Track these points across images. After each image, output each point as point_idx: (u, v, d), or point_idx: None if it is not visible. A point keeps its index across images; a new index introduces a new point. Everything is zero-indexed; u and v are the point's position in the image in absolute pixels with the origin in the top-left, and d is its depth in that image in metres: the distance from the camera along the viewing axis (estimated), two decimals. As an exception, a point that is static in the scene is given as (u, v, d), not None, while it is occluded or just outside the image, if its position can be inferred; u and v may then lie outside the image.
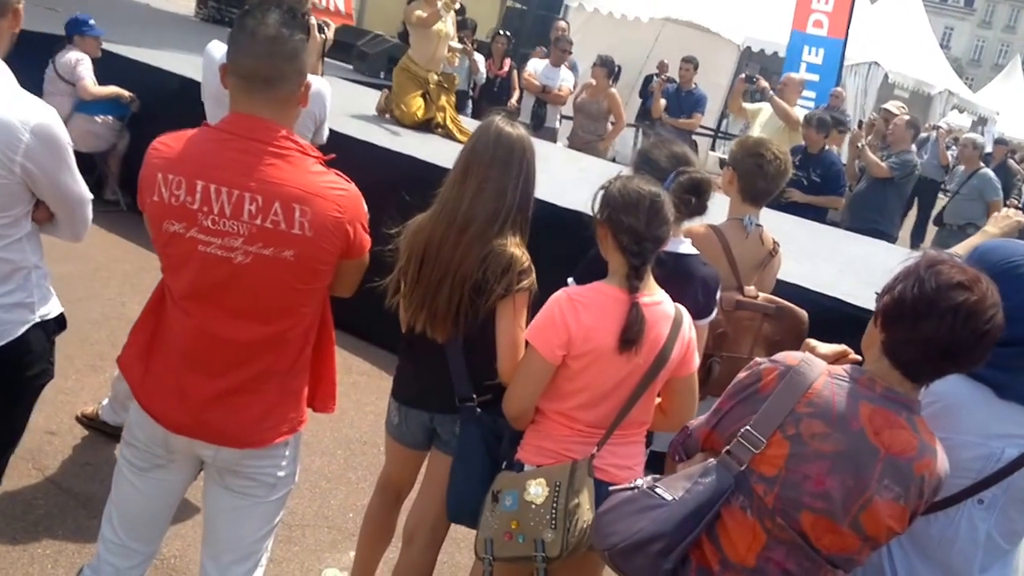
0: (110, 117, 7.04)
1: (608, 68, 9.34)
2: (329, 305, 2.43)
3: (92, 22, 6.90)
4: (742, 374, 2.10)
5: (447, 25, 7.08)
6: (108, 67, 7.03)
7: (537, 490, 2.49)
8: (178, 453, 2.38)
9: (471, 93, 10.62)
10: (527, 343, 2.54)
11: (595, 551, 2.34)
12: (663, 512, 2.02)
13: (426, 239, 2.76)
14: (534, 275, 2.73)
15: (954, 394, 2.09)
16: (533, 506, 2.47)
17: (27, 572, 2.98)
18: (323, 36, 4.17)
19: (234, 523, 2.45)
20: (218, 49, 3.62)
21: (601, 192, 2.57)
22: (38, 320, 2.60)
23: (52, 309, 2.66)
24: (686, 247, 2.99)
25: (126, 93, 7.02)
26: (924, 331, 1.85)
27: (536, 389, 2.55)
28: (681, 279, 2.85)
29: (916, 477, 1.90)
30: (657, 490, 2.08)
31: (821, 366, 2.01)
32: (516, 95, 10.41)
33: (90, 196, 2.65)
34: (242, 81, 2.18)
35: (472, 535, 2.58)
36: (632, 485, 2.17)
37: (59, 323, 2.71)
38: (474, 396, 2.80)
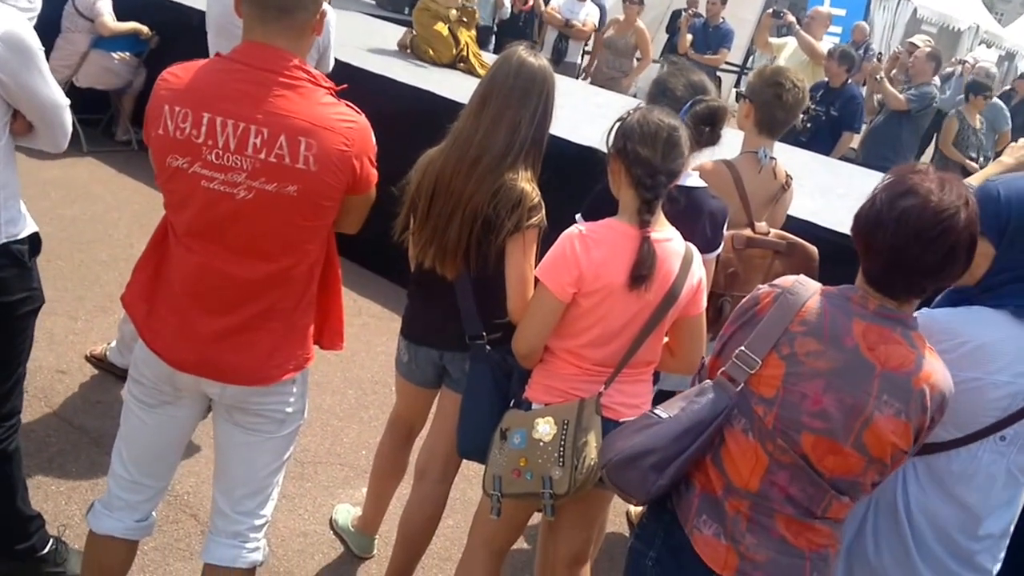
0: (127, 54, 6.92)
1: (636, 2, 9.14)
2: (335, 242, 2.41)
3: None
4: (744, 300, 2.12)
5: None
6: (127, 2, 6.95)
7: (545, 428, 2.48)
8: (185, 390, 2.39)
9: (494, 28, 10.43)
10: (537, 280, 2.52)
11: (602, 488, 2.35)
12: (658, 428, 2.06)
13: (437, 172, 2.72)
14: (544, 211, 2.69)
15: (985, 334, 2.07)
16: (541, 444, 2.47)
17: (42, 508, 3.02)
18: None
19: (244, 458, 2.46)
20: None
21: (617, 124, 2.52)
22: (5, 240, 2.55)
23: (21, 229, 2.61)
24: (694, 180, 2.93)
25: (145, 29, 6.94)
26: (877, 242, 1.88)
27: (546, 327, 2.53)
28: (691, 214, 2.80)
29: (916, 391, 1.89)
30: (655, 410, 2.12)
31: (815, 286, 2.02)
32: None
33: (66, 101, 2.61)
34: (256, 9, 2.13)
35: (482, 471, 2.59)
36: None
37: (33, 244, 2.66)
38: (483, 334, 2.78)
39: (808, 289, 2.00)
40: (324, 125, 2.13)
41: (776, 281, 2.08)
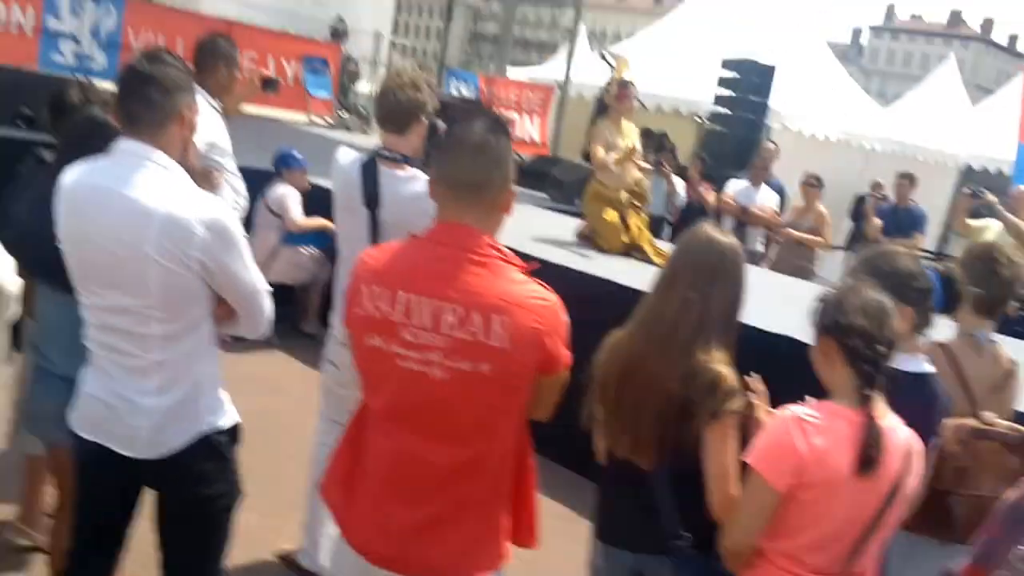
0: (314, 248, 7.21)
1: (818, 187, 8.89)
2: (528, 432, 2.32)
3: (297, 155, 7.19)
4: (1011, 494, 1.98)
5: (632, 138, 6.84)
6: (315, 199, 7.27)
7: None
8: None
9: (669, 218, 10.38)
10: (750, 468, 2.33)
11: None
12: None
13: (625, 356, 2.62)
14: (744, 397, 2.52)
15: None
16: None
17: None
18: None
19: None
20: (344, 155, 3.64)
21: (821, 302, 2.42)
22: (206, 430, 2.56)
23: (223, 419, 2.61)
24: (915, 363, 2.74)
25: (331, 225, 7.21)
26: None
27: (758, 521, 2.34)
28: (912, 401, 2.56)
29: None
30: None
31: None
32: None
33: (266, 287, 2.64)
34: (450, 189, 2.20)
35: None
36: None
37: (233, 435, 2.65)
38: (685, 534, 2.53)
39: None
40: (516, 302, 2.11)
41: None
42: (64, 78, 4.06)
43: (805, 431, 2.26)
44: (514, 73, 18.32)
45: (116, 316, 2.46)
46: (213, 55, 4.55)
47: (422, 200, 3.37)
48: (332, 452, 2.38)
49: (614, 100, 6.80)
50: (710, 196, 10.00)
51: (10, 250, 3.09)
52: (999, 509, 1.98)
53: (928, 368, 2.77)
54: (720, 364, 2.49)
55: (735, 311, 2.60)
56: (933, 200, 12.59)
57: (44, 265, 2.84)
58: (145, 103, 2.45)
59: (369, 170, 3.48)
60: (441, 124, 4.05)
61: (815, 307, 2.44)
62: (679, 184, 10.34)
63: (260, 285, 2.61)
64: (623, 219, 6.93)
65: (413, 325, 2.12)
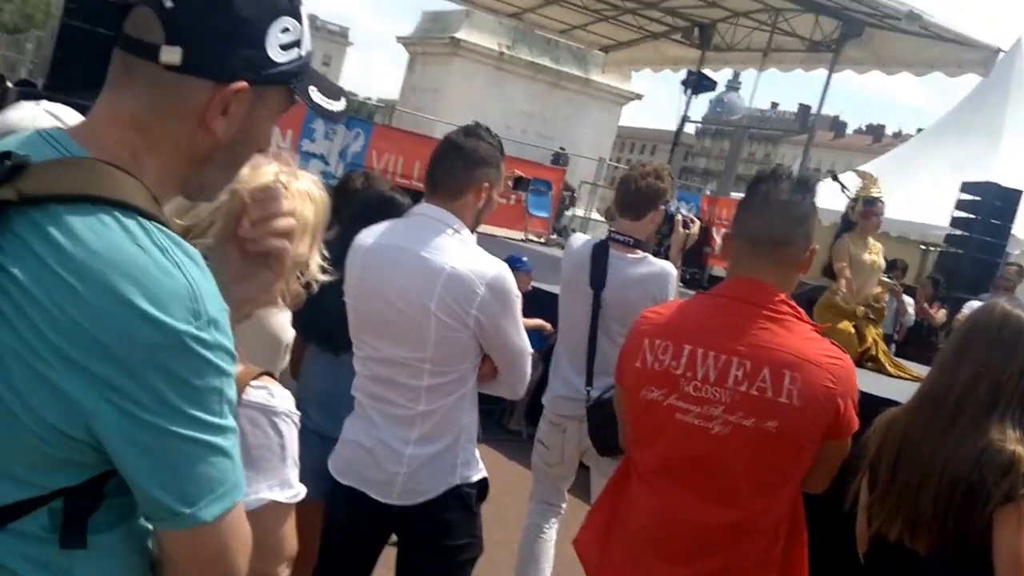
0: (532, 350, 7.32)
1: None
2: (803, 503, 2.22)
3: (524, 259, 7.47)
4: None
5: (879, 256, 6.75)
6: (533, 299, 7.50)
7: None
8: None
9: (895, 336, 9.96)
10: None
11: None
12: None
13: (903, 432, 2.47)
14: None
15: None
16: None
17: None
18: (687, 231, 4.10)
19: None
20: (577, 239, 3.85)
21: None
22: (459, 483, 2.58)
23: (474, 473, 2.63)
24: None
25: (548, 326, 7.39)
26: None
27: None
28: None
29: None
30: None
31: None
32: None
33: (531, 349, 2.70)
34: (748, 244, 2.18)
35: None
36: None
37: (481, 490, 2.67)
38: None
39: None
40: (810, 359, 2.05)
41: None
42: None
43: None
44: (737, 195, 18.35)
45: (389, 368, 2.55)
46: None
47: (648, 282, 3.54)
48: (592, 509, 2.35)
49: (860, 216, 6.75)
50: (939, 315, 9.56)
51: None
52: None
53: None
54: (1016, 444, 2.32)
55: None
56: None
57: (316, 327, 2.90)
58: (448, 170, 2.58)
59: (599, 252, 3.60)
60: (677, 214, 4.16)
61: None
62: (909, 303, 9.95)
63: (527, 347, 2.68)
64: (858, 331, 6.76)
65: (697, 379, 2.07)
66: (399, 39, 22.11)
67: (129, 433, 1.01)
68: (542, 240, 14.60)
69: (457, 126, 2.78)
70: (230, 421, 1.07)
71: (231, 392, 1.07)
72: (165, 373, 1.00)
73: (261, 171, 1.43)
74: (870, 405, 2.17)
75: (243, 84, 1.12)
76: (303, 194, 1.58)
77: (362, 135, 12.09)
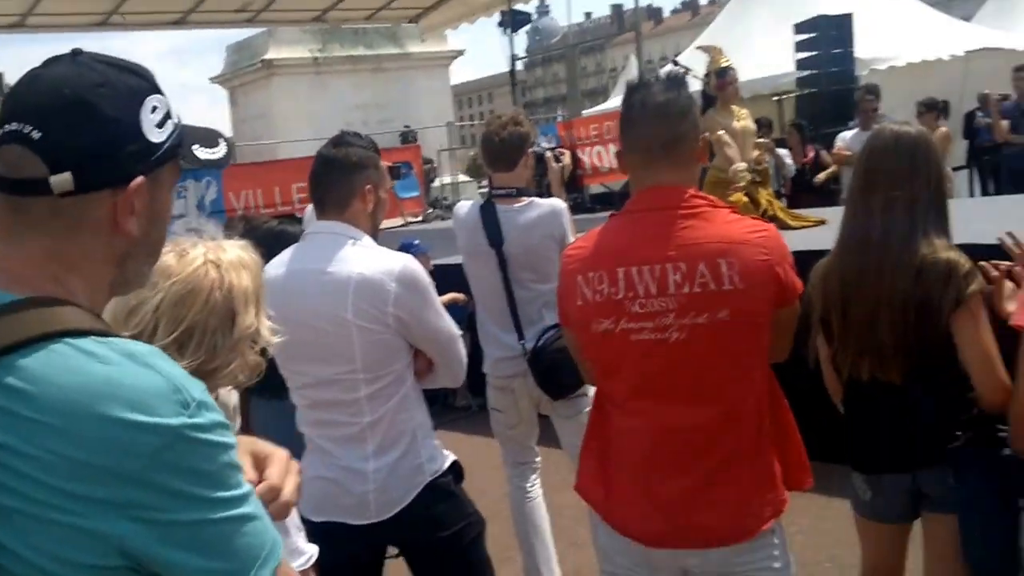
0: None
1: (934, 110, 8.64)
2: (773, 373, 2.22)
3: (417, 242, 7.37)
4: None
5: (748, 120, 6.84)
6: (441, 279, 7.41)
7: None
8: (663, 570, 2.19)
9: (782, 191, 10.19)
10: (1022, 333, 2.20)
11: None
12: None
13: (841, 279, 2.52)
14: (980, 273, 2.38)
15: None
16: None
17: None
18: (560, 164, 4.25)
19: None
20: (462, 206, 3.94)
21: None
22: (430, 478, 2.58)
23: (442, 464, 2.64)
24: None
25: (460, 296, 7.32)
26: None
27: None
28: None
29: None
30: None
31: None
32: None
33: (459, 332, 2.69)
34: (640, 153, 2.18)
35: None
36: None
37: (456, 472, 2.66)
38: (958, 433, 2.42)
39: None
40: (738, 241, 2.06)
41: None
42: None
43: None
44: (588, 112, 18.43)
45: (325, 389, 2.55)
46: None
47: (542, 224, 3.59)
48: (582, 452, 2.33)
49: (716, 89, 6.85)
50: (816, 156, 9.83)
51: None
52: None
53: None
54: (946, 251, 2.39)
55: (942, 196, 2.51)
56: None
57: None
58: (328, 185, 2.57)
59: (488, 211, 3.64)
60: (546, 151, 4.19)
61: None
62: (785, 155, 10.18)
63: (455, 331, 2.66)
64: (750, 196, 6.86)
65: (640, 296, 2.08)
66: (212, 79, 21.55)
67: (164, 538, 1.00)
68: (420, 219, 14.51)
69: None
70: (246, 485, 1.08)
71: (237, 458, 1.08)
72: (176, 470, 1.00)
73: (188, 258, 1.42)
74: (799, 262, 2.18)
75: (140, 179, 1.11)
76: (235, 265, 1.56)
77: (213, 182, 11.70)
